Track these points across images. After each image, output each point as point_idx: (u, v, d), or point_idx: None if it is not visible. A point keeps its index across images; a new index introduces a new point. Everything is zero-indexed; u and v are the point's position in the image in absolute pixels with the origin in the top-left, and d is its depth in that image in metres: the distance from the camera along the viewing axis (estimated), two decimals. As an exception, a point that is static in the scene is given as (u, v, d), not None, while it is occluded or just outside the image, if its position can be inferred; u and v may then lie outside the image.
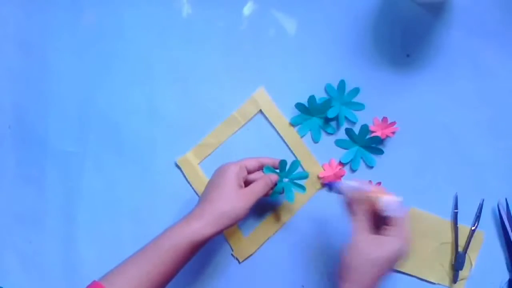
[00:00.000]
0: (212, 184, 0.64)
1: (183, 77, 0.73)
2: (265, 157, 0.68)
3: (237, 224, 0.73)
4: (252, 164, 0.66)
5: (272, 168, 0.68)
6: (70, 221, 0.75)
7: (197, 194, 0.74)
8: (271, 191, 0.68)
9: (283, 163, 0.68)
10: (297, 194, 0.72)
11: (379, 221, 0.60)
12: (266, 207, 0.73)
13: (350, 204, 0.61)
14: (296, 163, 0.69)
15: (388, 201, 0.58)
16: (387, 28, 0.71)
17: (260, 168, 0.68)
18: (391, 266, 0.58)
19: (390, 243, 0.57)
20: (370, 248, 0.57)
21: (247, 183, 0.66)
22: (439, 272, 0.71)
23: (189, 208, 0.74)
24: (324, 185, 0.72)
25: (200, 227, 0.61)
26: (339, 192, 0.64)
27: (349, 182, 0.62)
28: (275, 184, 0.68)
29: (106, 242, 0.74)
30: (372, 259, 0.57)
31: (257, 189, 0.64)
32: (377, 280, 0.57)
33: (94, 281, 0.59)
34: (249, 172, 0.66)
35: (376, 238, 0.58)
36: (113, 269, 0.60)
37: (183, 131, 0.73)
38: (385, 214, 0.58)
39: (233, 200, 0.62)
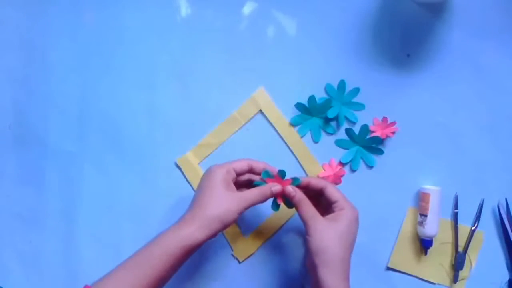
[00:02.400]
0: (200, 188, 0.63)
1: (183, 77, 0.73)
2: (256, 160, 0.66)
3: (236, 224, 0.73)
4: (240, 165, 0.64)
5: (271, 174, 0.65)
6: (70, 221, 0.75)
7: (197, 194, 0.74)
8: (280, 202, 0.66)
9: (281, 173, 0.65)
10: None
11: (320, 205, 0.65)
12: (266, 207, 0.73)
13: (295, 202, 0.64)
14: (296, 180, 0.65)
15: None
16: (387, 28, 0.71)
17: (250, 170, 0.65)
18: (354, 236, 0.62)
19: (343, 215, 0.62)
20: (330, 227, 0.61)
21: (239, 185, 0.65)
22: (439, 272, 0.71)
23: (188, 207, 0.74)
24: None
25: (191, 232, 0.60)
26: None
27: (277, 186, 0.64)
28: (277, 196, 0.65)
29: (106, 242, 0.74)
30: (336, 236, 0.60)
31: (250, 197, 0.62)
32: (348, 255, 0.61)
33: (86, 285, 0.59)
34: (238, 174, 0.65)
35: (329, 217, 0.62)
36: (104, 276, 0.60)
37: (183, 131, 0.73)
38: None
39: (223, 203, 0.61)
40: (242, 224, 0.73)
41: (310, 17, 0.72)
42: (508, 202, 0.70)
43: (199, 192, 0.63)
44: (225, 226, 0.61)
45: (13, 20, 0.75)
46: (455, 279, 0.70)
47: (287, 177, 0.65)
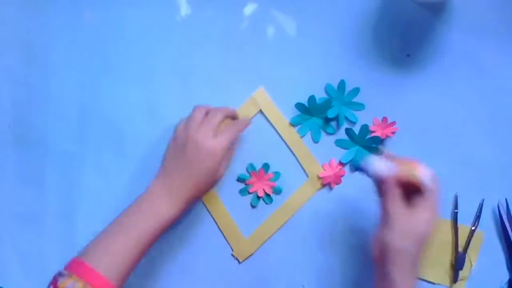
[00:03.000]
0: (197, 166, 0.63)
1: (183, 77, 0.73)
2: (231, 110, 0.69)
3: (236, 225, 0.73)
4: (220, 120, 0.66)
5: (255, 167, 0.72)
6: (70, 221, 0.75)
7: (197, 194, 0.74)
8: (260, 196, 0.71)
9: (265, 166, 0.72)
10: (298, 193, 0.72)
11: (407, 196, 0.59)
12: (266, 207, 0.73)
13: (381, 182, 0.60)
14: (277, 174, 0.72)
15: (425, 173, 0.58)
16: (387, 28, 0.71)
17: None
18: (426, 238, 0.57)
19: (423, 213, 0.56)
20: (405, 220, 0.56)
21: None
22: (439, 272, 0.71)
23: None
24: (351, 166, 0.71)
25: (174, 208, 0.63)
26: (366, 172, 0.62)
27: (377, 161, 0.61)
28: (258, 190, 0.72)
29: (106, 242, 0.74)
30: (408, 230, 0.56)
31: (227, 135, 0.65)
32: (418, 257, 0.57)
33: (74, 258, 0.59)
34: None
35: (410, 210, 0.57)
36: (93, 244, 0.61)
37: (183, 131, 0.73)
38: (423, 186, 0.57)
39: (214, 180, 0.65)
40: (242, 224, 0.73)
41: (310, 17, 0.72)
42: (508, 202, 0.70)
43: (202, 169, 0.64)
44: None
45: (13, 20, 0.75)
46: (455, 279, 0.70)
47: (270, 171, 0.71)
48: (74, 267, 0.58)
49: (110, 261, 0.59)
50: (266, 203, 0.73)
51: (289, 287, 0.72)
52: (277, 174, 0.72)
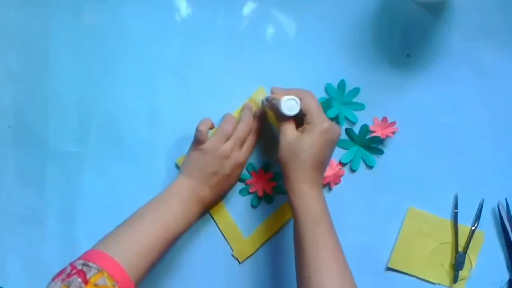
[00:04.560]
0: (225, 177, 0.68)
1: (183, 77, 0.73)
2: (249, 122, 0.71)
3: (236, 225, 0.73)
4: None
5: (255, 166, 0.73)
6: (70, 221, 0.75)
7: (197, 194, 0.74)
8: (260, 195, 0.73)
9: (265, 166, 0.73)
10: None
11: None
12: (266, 207, 0.73)
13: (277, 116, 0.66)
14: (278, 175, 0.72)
15: (285, 101, 0.62)
16: (387, 28, 0.71)
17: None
18: (321, 148, 0.61)
19: (311, 129, 0.61)
20: (296, 140, 0.62)
21: None
22: (439, 272, 0.71)
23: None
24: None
25: (198, 213, 0.68)
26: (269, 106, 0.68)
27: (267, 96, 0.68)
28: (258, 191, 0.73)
29: (106, 242, 0.74)
30: (301, 147, 0.61)
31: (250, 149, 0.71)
32: (316, 165, 0.61)
33: (93, 250, 0.59)
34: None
35: (299, 132, 0.62)
36: (112, 237, 0.61)
37: (183, 131, 0.73)
38: (285, 113, 0.62)
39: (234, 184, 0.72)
40: (242, 224, 0.73)
41: (310, 17, 0.72)
42: (508, 202, 0.70)
43: (228, 180, 0.70)
44: None
45: (13, 20, 0.75)
46: (455, 279, 0.70)
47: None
48: (102, 260, 0.56)
49: (132, 259, 0.58)
50: (266, 203, 0.73)
51: (289, 287, 0.72)
52: (277, 174, 0.72)
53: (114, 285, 0.55)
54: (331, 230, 0.61)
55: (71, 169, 0.75)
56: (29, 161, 0.76)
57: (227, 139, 0.68)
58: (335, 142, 0.63)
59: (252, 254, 0.73)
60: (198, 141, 0.68)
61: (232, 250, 0.73)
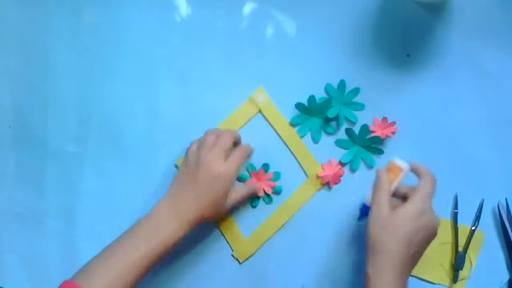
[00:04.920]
0: (212, 189, 0.64)
1: (183, 77, 0.73)
2: (245, 146, 0.69)
3: (236, 225, 0.73)
4: (230, 144, 0.66)
5: (255, 167, 0.72)
6: (70, 221, 0.75)
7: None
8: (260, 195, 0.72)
9: (265, 166, 0.72)
10: (298, 193, 0.72)
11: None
12: (266, 207, 0.73)
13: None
14: (277, 175, 0.72)
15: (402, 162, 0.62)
16: (387, 28, 0.71)
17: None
18: (419, 237, 0.57)
19: (407, 211, 0.57)
20: (389, 221, 0.57)
21: None
22: (439, 272, 0.71)
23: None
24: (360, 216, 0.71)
25: (180, 229, 0.63)
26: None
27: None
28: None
29: (106, 242, 0.74)
30: (392, 231, 0.56)
31: (239, 196, 0.67)
32: (407, 251, 0.56)
33: (66, 281, 0.58)
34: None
35: (394, 205, 0.58)
36: (87, 267, 0.60)
37: (183, 131, 0.73)
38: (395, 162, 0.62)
39: (222, 206, 0.65)
40: (242, 224, 0.73)
41: (310, 17, 0.72)
42: (508, 202, 0.70)
43: (211, 192, 0.64)
44: None
45: (13, 20, 0.75)
46: (455, 279, 0.70)
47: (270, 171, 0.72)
48: None
49: (106, 285, 0.58)
50: (266, 203, 0.73)
51: (289, 287, 0.72)
52: (277, 174, 0.72)
53: None
54: None
55: (71, 169, 0.75)
56: (29, 161, 0.76)
57: (210, 150, 0.65)
58: (432, 234, 0.59)
59: (253, 254, 0.73)
60: (186, 154, 0.67)
61: (233, 251, 0.73)
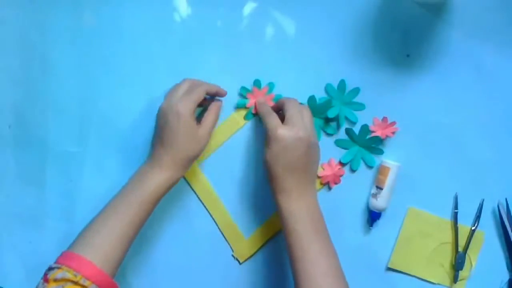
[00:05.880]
0: (171, 128, 0.64)
1: (182, 77, 0.73)
2: (208, 83, 0.69)
3: (237, 225, 0.73)
4: (199, 97, 0.66)
5: (249, 88, 0.72)
6: (70, 221, 0.75)
7: (197, 195, 0.74)
8: (254, 112, 0.72)
9: (257, 83, 0.72)
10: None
11: None
12: (266, 207, 0.73)
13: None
14: (271, 84, 0.72)
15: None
16: (387, 28, 0.71)
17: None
18: (289, 155, 0.62)
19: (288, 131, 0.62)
20: (272, 147, 0.63)
21: None
22: (439, 272, 0.71)
23: (188, 208, 0.74)
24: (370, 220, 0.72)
25: (170, 176, 0.64)
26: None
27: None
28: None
29: (106, 242, 0.74)
30: (272, 153, 0.63)
31: (211, 123, 0.68)
32: (283, 172, 0.63)
33: (64, 252, 0.61)
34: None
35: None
36: (83, 232, 0.62)
37: (183, 131, 0.73)
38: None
39: (194, 143, 0.65)
40: (242, 225, 0.73)
41: (310, 17, 0.72)
42: (508, 202, 0.70)
43: (170, 132, 0.64)
44: (195, 160, 0.68)
45: (13, 20, 0.75)
46: (455, 279, 0.70)
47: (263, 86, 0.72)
48: (63, 259, 0.59)
49: (100, 248, 0.60)
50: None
51: (289, 287, 0.72)
52: (271, 84, 0.72)
53: (75, 275, 0.57)
54: (326, 240, 0.63)
55: (71, 169, 0.75)
56: (29, 161, 0.76)
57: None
58: (312, 150, 0.64)
59: (253, 254, 0.73)
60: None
61: (233, 251, 0.73)
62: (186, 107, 0.64)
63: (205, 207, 0.73)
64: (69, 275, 0.57)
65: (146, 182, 0.64)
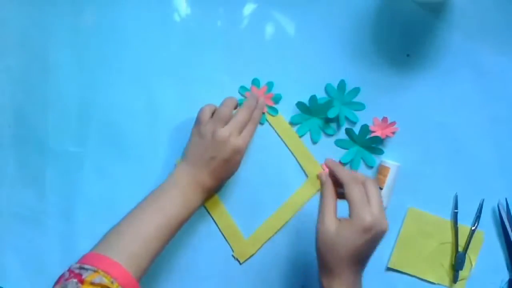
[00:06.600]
0: (223, 161, 0.66)
1: (182, 77, 0.73)
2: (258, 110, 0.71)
3: (237, 225, 0.73)
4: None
5: (247, 87, 0.72)
6: (70, 221, 0.75)
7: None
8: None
9: (255, 82, 0.72)
10: (298, 193, 0.72)
11: None
12: (266, 207, 0.73)
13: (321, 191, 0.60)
14: (270, 84, 0.72)
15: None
16: (387, 28, 0.71)
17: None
18: (364, 247, 0.55)
19: (352, 224, 0.54)
20: (334, 233, 0.55)
21: None
22: (439, 272, 0.71)
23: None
24: None
25: (202, 198, 0.68)
26: None
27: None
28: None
29: (106, 242, 0.74)
30: (340, 244, 0.55)
31: (249, 139, 0.69)
32: (355, 266, 0.56)
33: (88, 253, 0.59)
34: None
35: (339, 222, 0.56)
36: (112, 235, 0.62)
37: (183, 131, 0.73)
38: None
39: (236, 167, 0.69)
40: (242, 225, 0.73)
41: (310, 17, 0.72)
42: (508, 202, 0.70)
43: (225, 164, 0.67)
44: None
45: (13, 20, 0.75)
46: (455, 279, 0.70)
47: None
48: (95, 261, 0.57)
49: (131, 252, 0.59)
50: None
51: (289, 287, 0.72)
52: (270, 84, 0.72)
53: (112, 282, 0.55)
54: None
55: (71, 169, 0.75)
56: (29, 161, 0.76)
57: (225, 123, 0.66)
58: (379, 239, 0.56)
59: (253, 254, 0.73)
60: (197, 121, 0.68)
61: (233, 251, 0.73)
62: (243, 147, 0.67)
63: (205, 207, 0.73)
64: (106, 281, 0.55)
65: (190, 208, 0.66)
